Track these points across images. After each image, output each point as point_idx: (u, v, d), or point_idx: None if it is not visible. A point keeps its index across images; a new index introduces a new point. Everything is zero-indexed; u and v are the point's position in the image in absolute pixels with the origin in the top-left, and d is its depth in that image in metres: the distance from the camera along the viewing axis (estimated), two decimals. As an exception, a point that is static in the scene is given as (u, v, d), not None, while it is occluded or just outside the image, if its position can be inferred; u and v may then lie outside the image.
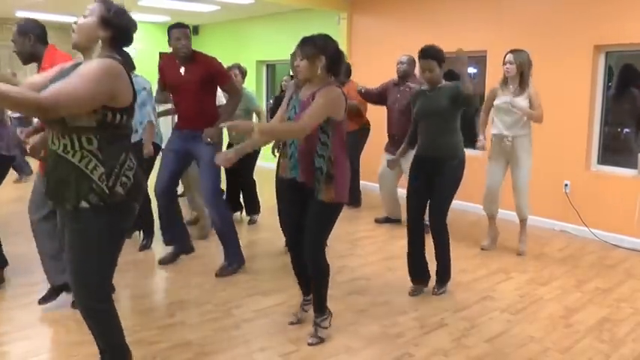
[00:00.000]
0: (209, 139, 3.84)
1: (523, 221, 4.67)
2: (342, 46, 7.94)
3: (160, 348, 2.88)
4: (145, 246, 4.56)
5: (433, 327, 3.21)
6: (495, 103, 4.47)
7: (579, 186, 5.33)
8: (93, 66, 2.02)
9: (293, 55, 3.11)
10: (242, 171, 5.42)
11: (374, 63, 7.26)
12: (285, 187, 3.01)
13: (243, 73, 5.40)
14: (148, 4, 8.14)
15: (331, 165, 2.80)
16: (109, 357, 2.32)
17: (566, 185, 5.41)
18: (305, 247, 2.87)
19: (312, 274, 2.93)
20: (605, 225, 5.13)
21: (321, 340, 2.97)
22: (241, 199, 5.73)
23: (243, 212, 5.81)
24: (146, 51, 9.86)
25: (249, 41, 9.58)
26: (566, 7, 5.31)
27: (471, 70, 6.85)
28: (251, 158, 5.34)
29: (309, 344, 2.93)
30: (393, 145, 5.19)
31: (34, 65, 3.29)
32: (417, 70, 5.11)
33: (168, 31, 3.95)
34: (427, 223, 3.75)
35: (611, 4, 4.97)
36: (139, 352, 2.80)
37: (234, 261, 4.05)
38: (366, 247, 4.81)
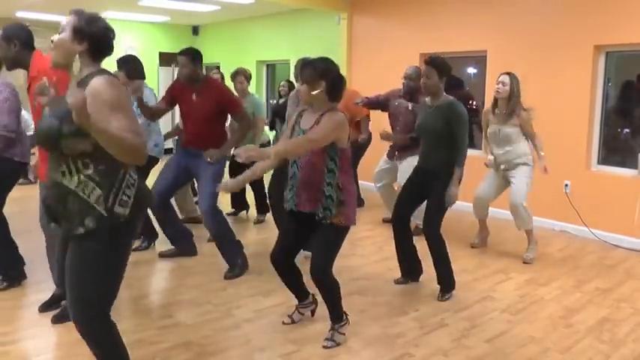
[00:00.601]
0: (209, 159, 3.92)
1: (526, 231, 4.55)
2: (342, 47, 8.02)
3: (160, 348, 2.88)
4: (140, 248, 4.56)
5: (433, 327, 3.21)
6: (488, 130, 4.49)
7: (579, 186, 5.33)
8: (108, 92, 1.97)
9: (297, 66, 3.11)
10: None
11: (374, 63, 7.26)
12: (290, 215, 3.00)
13: (248, 77, 5.42)
14: (148, 4, 8.14)
15: (340, 191, 2.80)
16: None
17: (566, 185, 5.41)
18: (313, 268, 2.84)
19: (322, 293, 2.91)
20: (605, 225, 5.13)
21: (337, 344, 2.95)
22: (247, 198, 5.80)
23: (249, 211, 5.87)
24: (146, 51, 9.86)
25: (249, 41, 9.59)
26: (566, 7, 5.31)
27: (471, 70, 6.86)
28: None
29: (324, 347, 2.92)
30: (394, 152, 5.19)
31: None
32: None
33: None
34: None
35: (611, 4, 4.97)
36: (139, 352, 2.80)
37: (235, 265, 4.01)
38: (366, 248, 4.81)
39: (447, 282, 3.67)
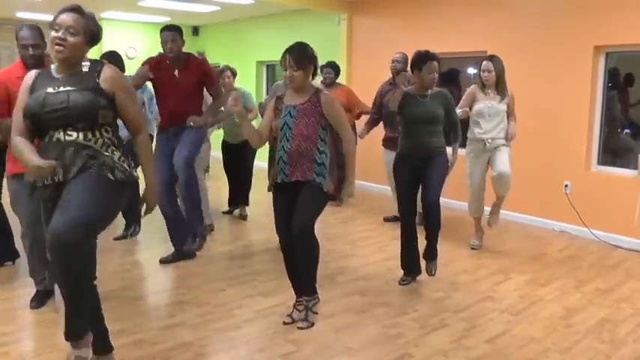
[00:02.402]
0: (192, 123, 4.01)
1: (502, 198, 4.65)
2: (342, 48, 8.01)
3: (160, 348, 2.88)
4: (131, 234, 4.61)
5: (433, 327, 3.21)
6: (476, 107, 4.53)
7: (579, 186, 5.33)
8: (125, 79, 2.49)
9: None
10: (243, 159, 5.60)
11: (374, 64, 7.26)
12: (276, 191, 3.17)
13: (234, 74, 5.55)
14: (148, 5, 8.14)
15: (328, 160, 3.04)
16: (80, 298, 2.20)
17: (566, 186, 5.41)
18: (296, 221, 2.97)
19: (301, 251, 3.02)
20: (605, 225, 5.13)
21: (312, 325, 3.05)
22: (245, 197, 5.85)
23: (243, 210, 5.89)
24: (146, 51, 9.86)
25: (249, 41, 9.58)
26: (566, 7, 5.31)
27: (471, 70, 6.86)
28: (252, 154, 5.51)
29: (300, 328, 3.01)
30: (390, 139, 5.25)
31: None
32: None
33: (160, 34, 4.08)
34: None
35: (611, 4, 4.97)
36: (139, 352, 2.80)
37: (199, 228, 4.28)
38: (366, 248, 4.81)
39: (433, 250, 3.81)
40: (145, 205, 2.52)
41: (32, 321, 3.19)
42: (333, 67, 6.08)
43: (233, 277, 3.97)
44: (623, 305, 3.61)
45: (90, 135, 2.29)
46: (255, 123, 5.09)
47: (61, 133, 2.26)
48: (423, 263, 3.92)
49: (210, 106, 4.40)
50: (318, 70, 3.18)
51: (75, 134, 2.27)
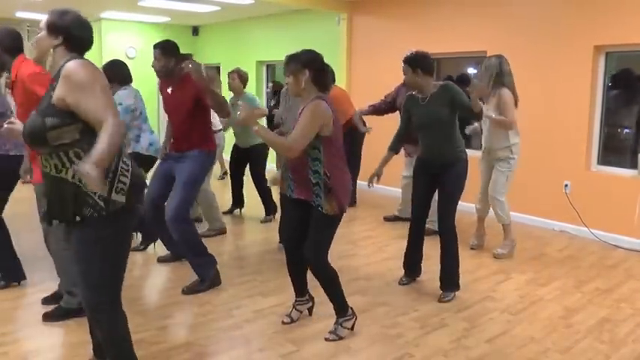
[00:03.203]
0: (190, 66, 3.51)
1: (504, 226, 4.61)
2: (342, 47, 8.01)
3: (160, 348, 2.88)
4: (139, 249, 4.55)
5: (433, 327, 3.21)
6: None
7: (579, 186, 5.33)
8: (80, 75, 2.02)
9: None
10: (252, 172, 5.58)
11: (374, 64, 7.26)
12: (284, 201, 3.09)
13: (243, 77, 5.44)
14: (148, 5, 8.14)
15: (328, 179, 2.82)
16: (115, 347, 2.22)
17: (566, 186, 5.41)
18: (308, 256, 2.91)
19: (321, 282, 2.96)
20: (605, 225, 5.13)
21: (339, 339, 2.99)
22: (244, 197, 5.90)
23: (243, 210, 5.94)
24: (146, 52, 9.85)
25: (249, 41, 9.58)
26: (566, 7, 5.31)
27: (471, 70, 6.86)
28: (260, 159, 5.53)
29: (326, 339, 2.97)
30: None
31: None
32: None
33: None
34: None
35: (611, 4, 4.97)
36: (139, 352, 2.78)
37: (204, 279, 3.72)
38: (366, 248, 4.81)
39: (451, 281, 3.66)
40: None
41: (32, 321, 3.19)
42: None
43: (233, 277, 3.96)
44: (623, 305, 3.61)
45: (59, 165, 2.03)
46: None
47: (42, 161, 2.11)
48: (426, 268, 3.92)
49: (217, 95, 3.74)
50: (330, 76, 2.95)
51: (48, 165, 2.07)
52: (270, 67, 9.80)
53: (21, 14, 8.77)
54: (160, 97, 4.24)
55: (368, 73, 7.34)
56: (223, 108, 3.71)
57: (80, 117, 1.99)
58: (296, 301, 3.26)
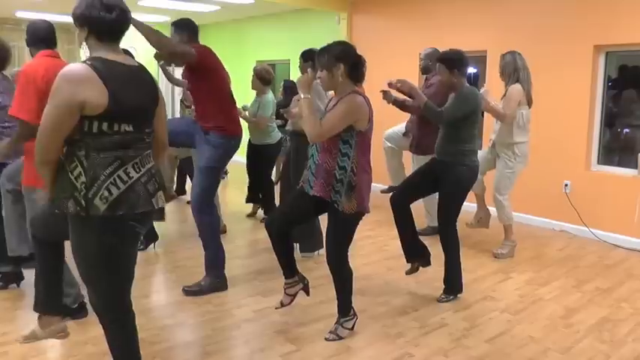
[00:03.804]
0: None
1: (506, 226, 4.61)
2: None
3: (160, 348, 2.88)
4: (138, 249, 4.53)
5: (433, 327, 3.21)
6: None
7: (579, 186, 5.33)
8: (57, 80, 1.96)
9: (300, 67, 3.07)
10: (261, 168, 5.56)
11: (374, 64, 7.21)
12: (299, 192, 3.00)
13: (258, 75, 5.46)
14: (148, 4, 8.14)
15: (353, 175, 2.79)
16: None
17: (566, 185, 5.41)
18: (328, 255, 2.92)
19: (335, 280, 2.98)
20: (605, 225, 5.13)
21: (340, 338, 2.99)
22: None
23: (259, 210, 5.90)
24: (146, 51, 9.84)
25: (249, 41, 9.58)
26: (566, 7, 5.31)
27: (471, 70, 6.85)
28: (272, 159, 5.56)
29: (326, 339, 2.96)
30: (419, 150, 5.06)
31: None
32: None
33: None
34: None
35: (611, 4, 4.97)
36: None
37: (209, 275, 3.68)
38: (366, 247, 4.81)
39: (452, 284, 3.64)
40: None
41: (32, 321, 3.18)
42: None
43: (233, 277, 3.96)
44: (623, 305, 3.61)
45: (67, 152, 2.04)
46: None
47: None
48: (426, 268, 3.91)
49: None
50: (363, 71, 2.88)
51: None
52: (270, 67, 9.78)
53: (21, 14, 8.77)
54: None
55: (368, 72, 7.28)
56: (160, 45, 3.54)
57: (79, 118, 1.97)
58: (285, 283, 3.16)
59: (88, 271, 2.10)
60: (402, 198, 3.65)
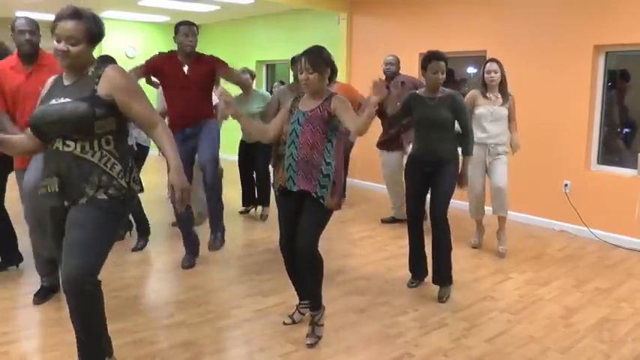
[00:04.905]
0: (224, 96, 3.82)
1: (503, 219, 4.62)
2: (342, 47, 8.01)
3: (160, 348, 2.88)
4: (138, 247, 4.56)
5: (433, 327, 3.21)
6: (477, 111, 4.46)
7: (579, 186, 5.33)
8: (127, 79, 2.31)
9: (294, 63, 3.19)
10: (257, 159, 5.60)
11: (373, 63, 7.25)
12: (281, 196, 3.04)
13: (253, 75, 5.74)
14: (148, 4, 8.14)
15: (334, 172, 2.91)
16: (89, 347, 2.26)
17: (566, 185, 5.42)
18: (300, 241, 2.89)
19: (306, 268, 2.93)
20: (604, 225, 5.13)
21: (319, 339, 2.98)
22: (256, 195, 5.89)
23: (258, 209, 5.91)
24: (146, 51, 9.85)
25: (249, 41, 9.59)
26: (566, 7, 5.31)
27: (471, 69, 6.86)
28: (268, 155, 5.53)
29: (309, 345, 2.93)
30: (385, 141, 5.33)
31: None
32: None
33: (176, 28, 4.08)
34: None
35: (611, 4, 4.97)
36: (139, 352, 2.80)
37: (218, 233, 4.54)
38: (366, 247, 4.81)
39: (444, 274, 3.65)
40: (173, 190, 2.31)
41: (32, 320, 3.19)
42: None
43: (233, 277, 3.97)
44: (622, 304, 3.61)
45: (87, 147, 2.23)
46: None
47: (60, 143, 2.23)
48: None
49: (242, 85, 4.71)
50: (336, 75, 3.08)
51: (72, 145, 2.22)
52: (270, 66, 9.80)
53: (21, 14, 8.76)
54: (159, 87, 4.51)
55: (368, 72, 7.33)
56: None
57: (123, 113, 2.28)
58: (300, 304, 3.23)
59: (98, 242, 2.22)
60: (417, 216, 3.81)
